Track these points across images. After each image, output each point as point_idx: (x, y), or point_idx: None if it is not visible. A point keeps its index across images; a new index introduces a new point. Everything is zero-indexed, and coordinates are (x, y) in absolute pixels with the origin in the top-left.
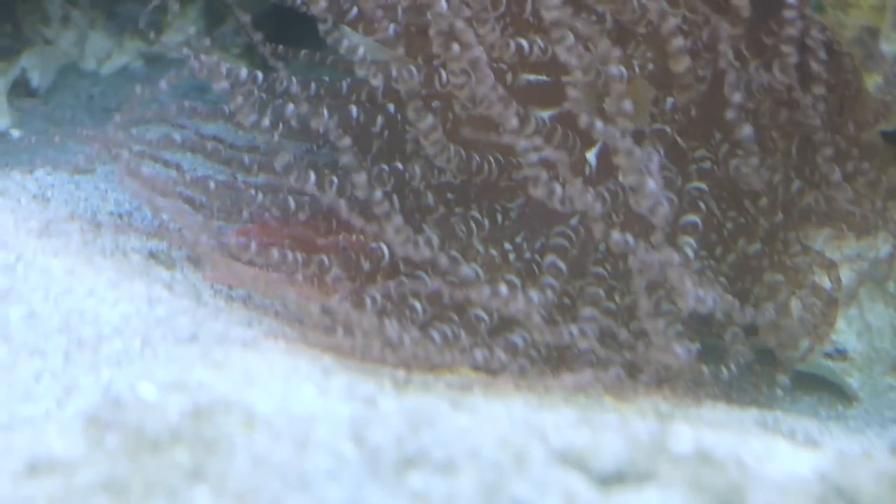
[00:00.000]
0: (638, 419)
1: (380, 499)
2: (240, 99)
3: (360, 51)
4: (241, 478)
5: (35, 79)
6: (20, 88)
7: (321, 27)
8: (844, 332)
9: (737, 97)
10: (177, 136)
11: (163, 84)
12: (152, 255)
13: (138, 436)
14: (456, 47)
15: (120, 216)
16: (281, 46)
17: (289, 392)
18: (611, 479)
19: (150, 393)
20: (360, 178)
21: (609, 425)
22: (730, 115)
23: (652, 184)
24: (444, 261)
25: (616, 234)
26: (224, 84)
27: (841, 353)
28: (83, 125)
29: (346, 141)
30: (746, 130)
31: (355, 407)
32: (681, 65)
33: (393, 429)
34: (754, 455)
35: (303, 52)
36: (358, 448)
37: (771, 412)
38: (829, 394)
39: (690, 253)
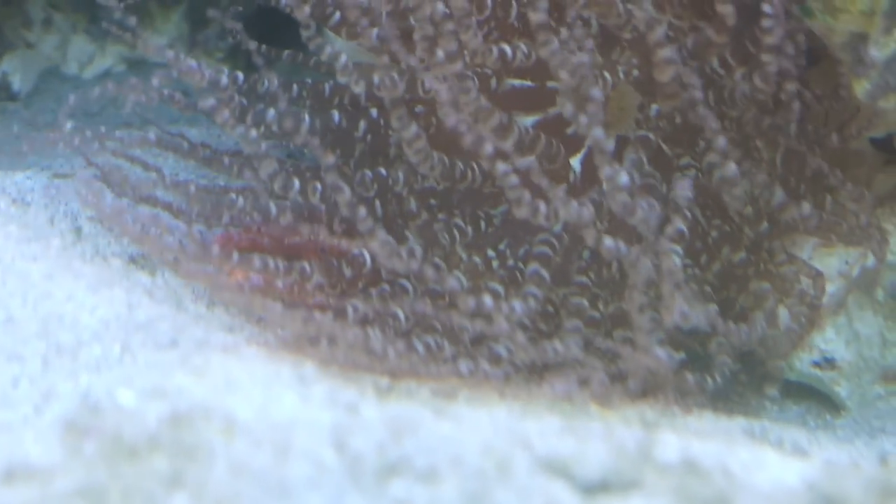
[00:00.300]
0: (623, 427)
1: None
2: (226, 113)
3: (343, 58)
4: (221, 485)
5: (16, 83)
6: (1, 92)
7: (304, 33)
8: (833, 341)
9: (721, 143)
10: (151, 135)
11: (155, 81)
12: (133, 259)
13: (116, 442)
14: (440, 53)
15: (100, 221)
16: (264, 47)
17: (269, 398)
18: (595, 488)
19: (128, 399)
20: (345, 195)
21: (594, 433)
22: (712, 157)
23: (624, 177)
24: (430, 272)
25: (608, 241)
26: (211, 102)
27: (829, 362)
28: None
29: (331, 159)
30: (731, 169)
31: (337, 414)
32: (666, 74)
33: (375, 436)
34: (741, 464)
35: (286, 52)
36: (339, 455)
37: (758, 421)
38: (816, 403)
39: (678, 262)
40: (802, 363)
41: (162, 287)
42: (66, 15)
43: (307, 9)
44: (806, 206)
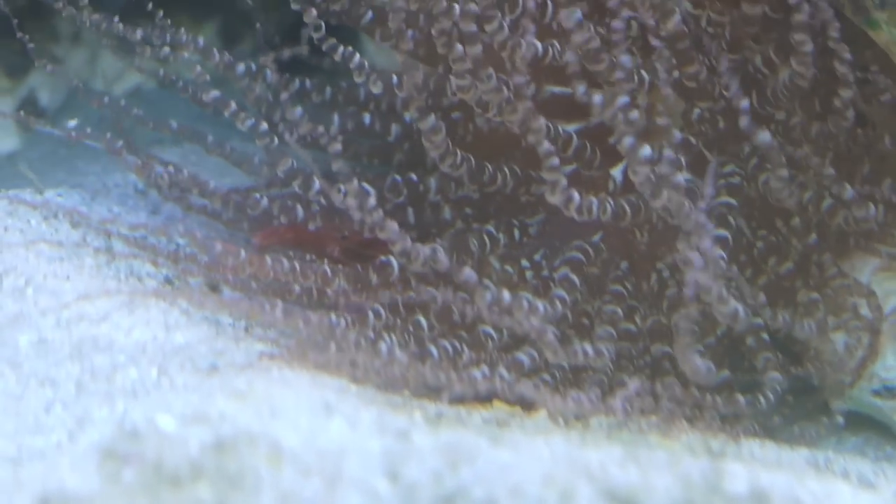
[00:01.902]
0: (688, 457)
1: None
2: (234, 105)
3: (357, 58)
4: None
5: (44, 98)
6: (29, 108)
7: (314, 35)
8: (894, 368)
9: (744, 103)
10: (174, 123)
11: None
12: (168, 280)
13: (157, 470)
14: (460, 47)
15: (134, 240)
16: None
17: (316, 425)
18: None
19: (168, 424)
20: (353, 185)
21: (658, 463)
22: (742, 122)
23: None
24: (443, 262)
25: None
26: (215, 93)
27: (890, 391)
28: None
29: (337, 147)
30: (763, 136)
31: (387, 441)
32: (671, 23)
33: (429, 464)
34: (813, 496)
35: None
36: (393, 485)
37: (822, 452)
38: (876, 434)
39: (724, 265)
40: (861, 392)
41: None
42: (94, 30)
43: (314, 11)
44: (873, 208)
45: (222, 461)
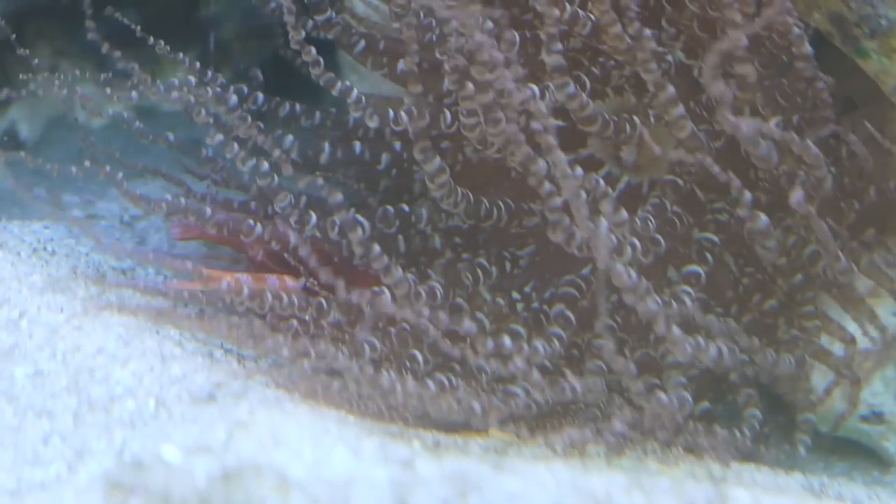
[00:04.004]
0: (691, 483)
1: None
2: (236, 147)
3: (354, 93)
4: None
5: (24, 130)
6: (9, 140)
7: (314, 71)
8: (881, 394)
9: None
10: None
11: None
12: (158, 312)
13: (165, 501)
14: (470, 86)
15: (123, 271)
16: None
17: (320, 454)
18: None
19: (173, 455)
20: (357, 235)
21: (663, 489)
22: (742, 211)
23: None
24: (444, 317)
25: (620, 267)
26: (220, 138)
27: (877, 416)
28: (75, 178)
29: (339, 197)
30: (763, 221)
31: (393, 470)
32: (684, 131)
33: (437, 493)
34: None
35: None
36: None
37: (817, 477)
38: (863, 459)
39: (689, 302)
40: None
41: (191, 339)
42: (73, 62)
43: (331, 36)
44: (847, 264)
45: (230, 492)
